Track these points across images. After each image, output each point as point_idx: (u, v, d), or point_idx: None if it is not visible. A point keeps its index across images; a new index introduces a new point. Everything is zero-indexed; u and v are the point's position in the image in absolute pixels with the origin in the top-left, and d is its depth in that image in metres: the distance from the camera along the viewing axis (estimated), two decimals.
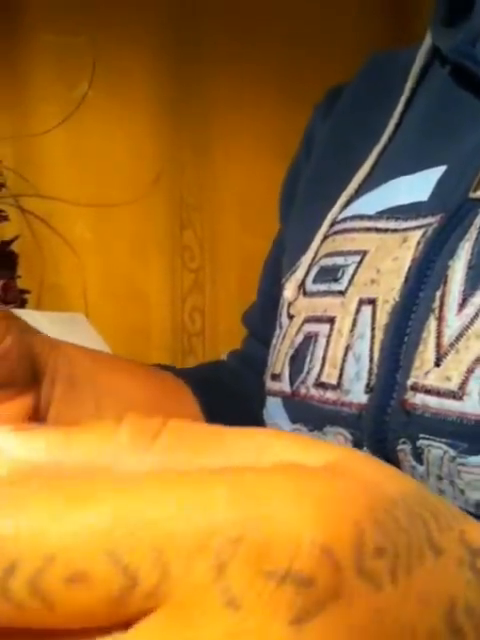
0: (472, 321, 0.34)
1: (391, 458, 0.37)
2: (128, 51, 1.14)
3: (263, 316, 0.54)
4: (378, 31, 1.19)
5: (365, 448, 0.38)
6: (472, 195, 0.38)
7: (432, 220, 0.39)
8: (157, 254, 1.18)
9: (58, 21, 1.12)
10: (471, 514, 0.32)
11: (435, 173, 0.41)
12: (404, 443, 0.36)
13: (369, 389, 0.38)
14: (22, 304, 0.90)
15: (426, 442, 0.35)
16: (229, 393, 0.52)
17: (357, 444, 0.39)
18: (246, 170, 1.18)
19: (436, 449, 0.35)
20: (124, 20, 1.14)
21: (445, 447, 0.34)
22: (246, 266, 1.18)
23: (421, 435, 0.35)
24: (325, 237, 0.46)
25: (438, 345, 0.35)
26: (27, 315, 0.84)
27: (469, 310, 0.35)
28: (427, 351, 0.36)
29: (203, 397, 0.50)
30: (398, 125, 0.47)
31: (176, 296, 1.18)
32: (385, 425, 0.37)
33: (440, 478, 0.35)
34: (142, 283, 1.16)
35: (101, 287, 1.13)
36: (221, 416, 0.41)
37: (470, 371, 0.34)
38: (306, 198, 0.53)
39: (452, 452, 0.34)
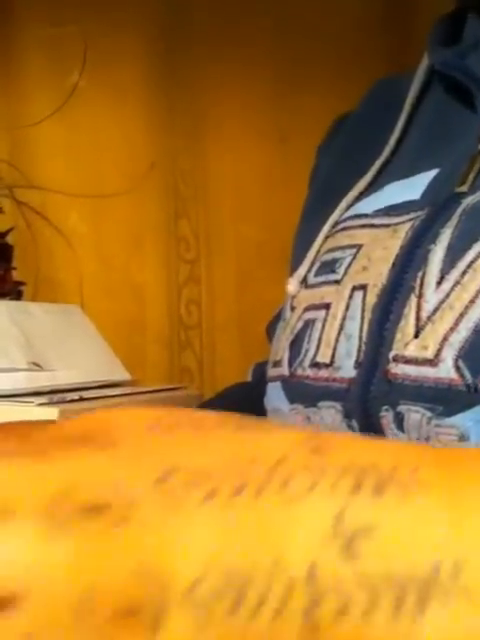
0: (448, 295, 0.38)
1: (376, 426, 0.40)
2: (119, 40, 1.13)
3: None
4: (376, 12, 1.18)
5: (354, 420, 0.41)
6: (457, 189, 0.42)
7: (421, 213, 0.43)
8: (152, 245, 1.17)
9: (48, 11, 1.11)
10: None
11: (428, 175, 0.45)
12: (386, 410, 0.39)
13: (358, 364, 0.41)
14: (18, 296, 0.89)
15: (405, 407, 0.38)
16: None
17: (347, 415, 0.42)
18: (240, 158, 1.17)
19: (414, 413, 0.38)
20: (114, 9, 1.13)
21: (422, 410, 0.38)
22: (242, 256, 1.17)
23: (401, 401, 0.39)
24: (327, 237, 0.50)
25: (417, 319, 0.39)
26: (22, 307, 0.83)
27: (445, 286, 0.38)
28: (408, 325, 0.39)
29: None
30: (400, 140, 0.51)
31: (172, 288, 1.17)
32: (370, 394, 0.40)
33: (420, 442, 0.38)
34: (137, 275, 1.16)
35: (96, 279, 1.12)
36: None
37: (445, 339, 0.37)
38: (312, 208, 0.58)
39: (429, 414, 0.37)
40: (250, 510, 0.17)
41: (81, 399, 0.71)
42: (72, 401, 0.69)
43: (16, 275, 0.91)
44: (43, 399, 0.67)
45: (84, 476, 0.18)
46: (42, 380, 0.74)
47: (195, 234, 1.18)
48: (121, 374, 0.84)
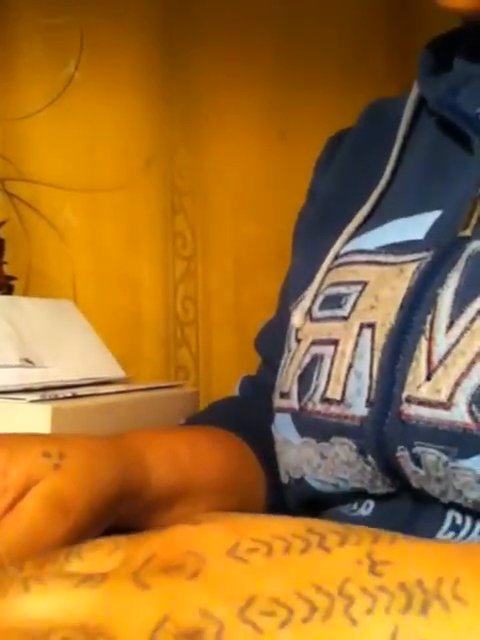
0: (458, 340, 0.39)
1: (393, 464, 0.42)
2: (116, 31, 1.11)
3: (281, 343, 0.57)
4: (377, 11, 1.17)
5: (369, 456, 0.43)
6: (461, 233, 0.43)
7: (426, 254, 0.44)
8: (148, 241, 1.14)
9: (43, 1, 1.09)
10: (470, 510, 0.39)
11: (431, 216, 0.46)
12: (402, 450, 0.41)
13: (369, 403, 0.43)
14: (9, 290, 0.88)
15: (421, 448, 0.39)
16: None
17: (362, 452, 0.43)
18: (240, 153, 1.16)
19: (430, 455, 0.39)
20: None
21: (438, 453, 0.39)
22: (240, 252, 1.16)
23: (416, 442, 0.40)
24: (329, 269, 0.51)
25: (429, 362, 0.40)
26: (14, 302, 0.82)
27: (455, 331, 0.40)
28: (419, 367, 0.40)
29: (255, 446, 0.56)
30: (394, 171, 0.52)
31: (168, 284, 1.15)
32: (384, 434, 0.41)
33: (439, 480, 0.39)
34: (132, 271, 1.13)
35: (90, 274, 1.10)
36: (274, 460, 0.52)
37: (457, 384, 0.38)
38: (310, 233, 0.59)
39: (445, 457, 0.39)
40: (318, 634, 0.22)
41: (74, 396, 0.70)
42: (65, 398, 0.68)
43: (7, 269, 0.90)
44: (35, 396, 0.66)
45: (179, 606, 0.22)
46: (34, 377, 0.73)
47: (192, 230, 1.17)
48: (116, 371, 0.83)
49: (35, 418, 0.63)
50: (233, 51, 1.15)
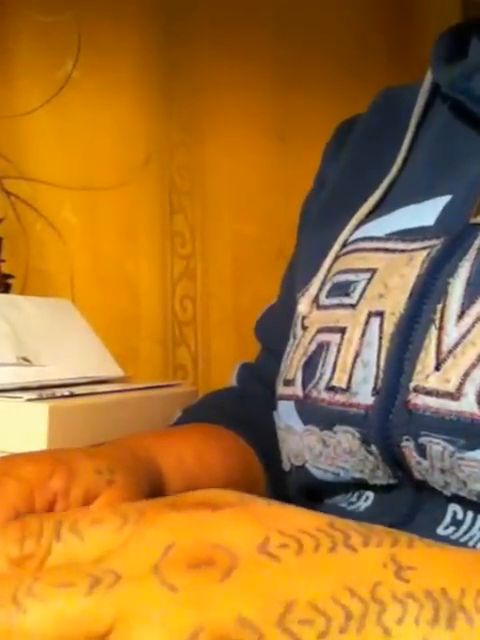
0: (469, 330, 0.39)
1: (397, 454, 0.41)
2: (115, 29, 1.11)
3: (282, 330, 0.56)
4: (376, 12, 1.17)
5: (373, 445, 0.42)
6: (472, 220, 0.43)
7: (436, 242, 0.43)
8: (146, 239, 1.14)
9: None
10: (472, 503, 0.39)
11: (441, 201, 0.45)
12: (407, 440, 0.40)
13: (375, 392, 0.42)
14: (6, 289, 0.88)
15: (427, 439, 0.39)
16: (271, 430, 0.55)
17: (365, 441, 0.42)
18: (239, 152, 1.16)
19: (436, 445, 0.38)
20: None
21: (444, 443, 0.38)
22: (239, 252, 1.16)
23: (422, 432, 0.39)
24: (337, 256, 0.50)
25: (438, 352, 0.39)
26: (11, 300, 0.81)
27: (466, 321, 0.39)
28: (428, 357, 0.40)
29: (254, 443, 0.56)
30: (406, 159, 0.52)
31: (166, 283, 1.15)
32: (389, 423, 0.41)
33: (443, 471, 0.39)
34: (131, 269, 1.13)
35: (88, 273, 1.10)
36: (271, 453, 0.53)
37: (466, 374, 0.38)
38: (319, 219, 0.58)
39: (451, 448, 0.38)
40: None
41: (72, 395, 0.69)
42: (62, 397, 0.68)
43: (4, 268, 0.89)
44: (32, 395, 0.65)
45: (213, 613, 0.21)
46: (31, 375, 0.72)
47: (191, 229, 1.17)
48: (114, 370, 0.82)
49: (32, 417, 0.62)
50: (233, 49, 1.14)
